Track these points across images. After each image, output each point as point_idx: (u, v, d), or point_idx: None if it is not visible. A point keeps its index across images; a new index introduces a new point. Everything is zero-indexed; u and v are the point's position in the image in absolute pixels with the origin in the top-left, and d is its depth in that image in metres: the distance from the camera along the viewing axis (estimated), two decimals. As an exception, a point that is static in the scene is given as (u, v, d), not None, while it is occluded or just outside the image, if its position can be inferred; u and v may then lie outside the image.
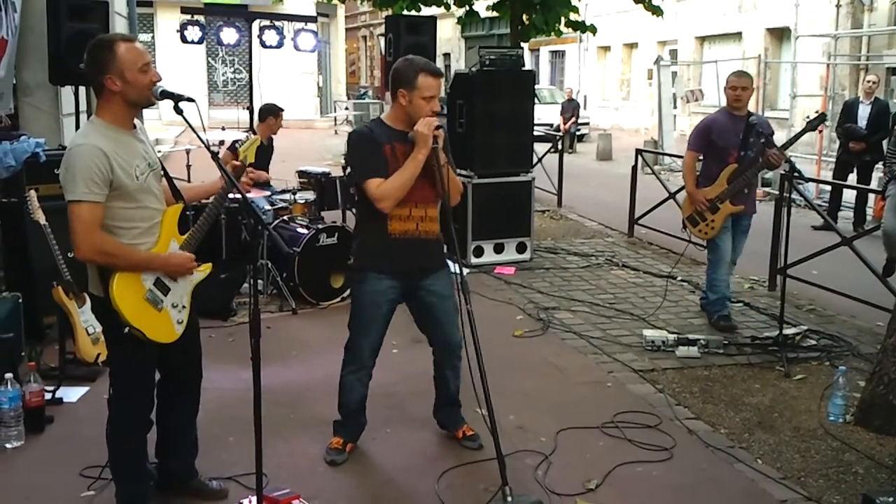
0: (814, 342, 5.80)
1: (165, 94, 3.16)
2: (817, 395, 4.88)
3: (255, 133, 7.80)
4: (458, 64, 31.51)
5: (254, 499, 3.28)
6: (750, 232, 6.22)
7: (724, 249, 6.08)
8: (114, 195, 3.04)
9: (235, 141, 7.08)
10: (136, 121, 3.25)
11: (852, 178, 10.48)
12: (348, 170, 7.61)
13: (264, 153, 7.84)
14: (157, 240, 3.21)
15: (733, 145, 5.89)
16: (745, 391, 4.99)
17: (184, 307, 3.31)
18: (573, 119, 21.01)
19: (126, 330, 3.09)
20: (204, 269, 3.41)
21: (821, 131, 12.14)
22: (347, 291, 6.78)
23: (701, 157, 6.19)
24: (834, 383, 4.69)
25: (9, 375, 4.06)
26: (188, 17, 9.83)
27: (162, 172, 3.33)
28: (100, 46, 3.09)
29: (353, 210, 7.50)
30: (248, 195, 3.49)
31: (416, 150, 3.69)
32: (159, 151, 11.82)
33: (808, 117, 6.30)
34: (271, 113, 7.92)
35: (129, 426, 3.33)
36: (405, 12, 11.51)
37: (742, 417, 4.62)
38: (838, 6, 17.41)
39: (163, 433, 3.58)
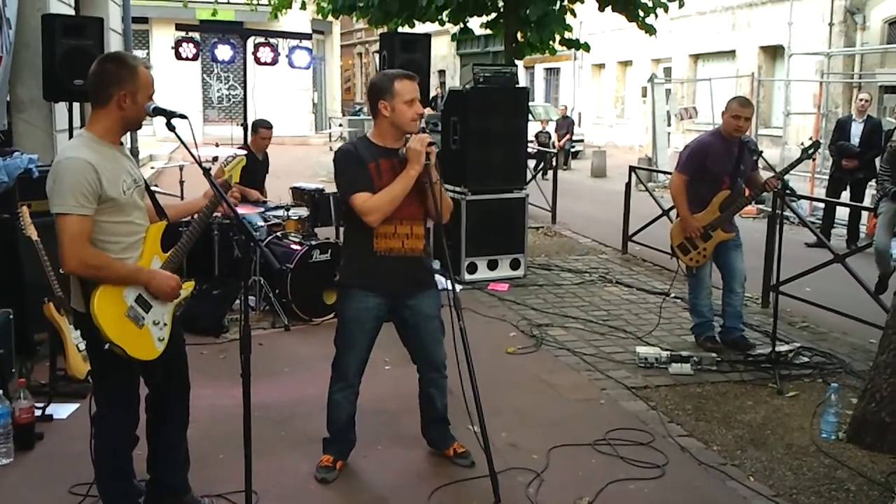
0: (806, 359, 5.80)
1: (158, 111, 3.18)
2: (810, 412, 4.88)
3: (248, 149, 7.82)
4: (453, 81, 31.60)
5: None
6: (743, 249, 6.02)
7: (704, 274, 6.01)
8: (101, 209, 3.04)
9: (229, 157, 7.11)
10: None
11: (845, 196, 10.53)
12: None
13: (258, 168, 7.85)
14: (141, 255, 3.21)
15: (727, 172, 5.77)
16: (737, 408, 4.98)
17: (165, 325, 3.29)
18: (567, 136, 21.12)
19: (106, 346, 3.07)
20: (187, 287, 3.41)
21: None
22: (340, 308, 6.78)
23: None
24: (826, 400, 4.69)
25: (-2, 392, 4.04)
26: (183, 33, 9.87)
27: (145, 190, 3.35)
28: (124, 63, 3.14)
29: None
30: (241, 212, 3.50)
31: (409, 166, 3.69)
32: (153, 167, 11.89)
33: (802, 143, 6.31)
34: (251, 129, 8.01)
35: (113, 443, 3.31)
36: (400, 29, 11.54)
37: (734, 435, 4.61)
38: (831, 25, 17.55)
39: (153, 447, 3.57)
